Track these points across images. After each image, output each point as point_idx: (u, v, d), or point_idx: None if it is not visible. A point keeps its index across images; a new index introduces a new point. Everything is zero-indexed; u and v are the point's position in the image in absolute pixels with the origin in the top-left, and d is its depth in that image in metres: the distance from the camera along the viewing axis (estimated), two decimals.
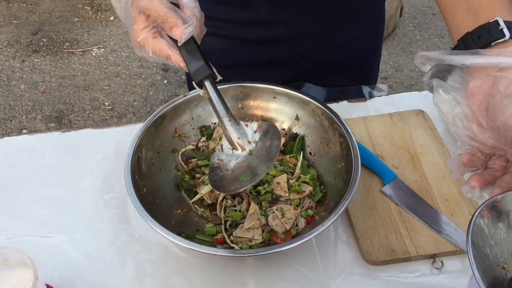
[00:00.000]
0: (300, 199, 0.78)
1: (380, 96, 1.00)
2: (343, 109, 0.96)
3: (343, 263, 0.73)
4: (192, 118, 0.86)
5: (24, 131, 2.37)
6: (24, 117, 2.44)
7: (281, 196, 0.78)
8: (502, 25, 0.60)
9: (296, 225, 0.75)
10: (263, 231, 0.75)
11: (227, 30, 0.96)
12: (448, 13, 0.70)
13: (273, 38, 0.96)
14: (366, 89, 1.05)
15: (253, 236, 0.73)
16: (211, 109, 0.68)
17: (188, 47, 0.65)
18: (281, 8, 0.91)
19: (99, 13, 3.11)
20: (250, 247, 0.73)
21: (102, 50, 2.83)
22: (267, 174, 0.80)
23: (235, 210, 0.77)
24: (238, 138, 0.70)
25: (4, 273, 0.66)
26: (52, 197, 0.84)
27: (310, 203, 0.78)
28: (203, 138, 0.86)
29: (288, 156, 0.84)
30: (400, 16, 2.82)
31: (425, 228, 0.75)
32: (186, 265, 0.74)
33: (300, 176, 0.80)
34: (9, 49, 2.85)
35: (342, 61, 1.02)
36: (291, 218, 0.75)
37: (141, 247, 0.76)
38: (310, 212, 0.77)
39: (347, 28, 0.98)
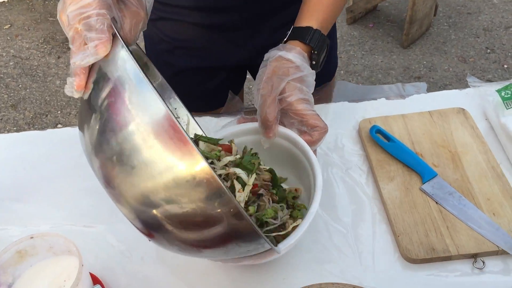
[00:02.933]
0: None
1: (419, 94, 0.99)
2: (382, 106, 0.95)
3: (382, 260, 0.73)
4: None
5: (59, 125, 2.42)
6: (59, 112, 2.50)
7: None
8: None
9: None
10: None
11: (178, 15, 0.99)
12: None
13: (222, 22, 0.98)
14: (404, 86, 1.03)
15: None
16: None
17: None
18: None
19: None
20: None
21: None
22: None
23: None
24: None
25: (49, 260, 0.68)
26: (93, 188, 0.85)
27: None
28: None
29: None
30: (434, 15, 2.78)
31: (466, 227, 0.74)
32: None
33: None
34: (45, 46, 2.92)
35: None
36: None
37: None
38: None
39: (290, 10, 0.96)
